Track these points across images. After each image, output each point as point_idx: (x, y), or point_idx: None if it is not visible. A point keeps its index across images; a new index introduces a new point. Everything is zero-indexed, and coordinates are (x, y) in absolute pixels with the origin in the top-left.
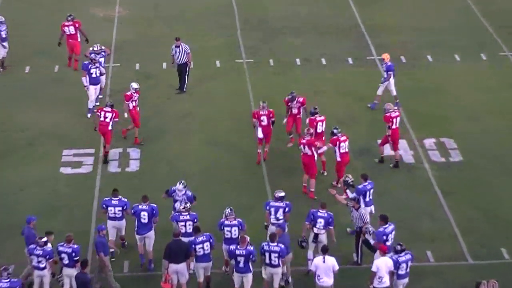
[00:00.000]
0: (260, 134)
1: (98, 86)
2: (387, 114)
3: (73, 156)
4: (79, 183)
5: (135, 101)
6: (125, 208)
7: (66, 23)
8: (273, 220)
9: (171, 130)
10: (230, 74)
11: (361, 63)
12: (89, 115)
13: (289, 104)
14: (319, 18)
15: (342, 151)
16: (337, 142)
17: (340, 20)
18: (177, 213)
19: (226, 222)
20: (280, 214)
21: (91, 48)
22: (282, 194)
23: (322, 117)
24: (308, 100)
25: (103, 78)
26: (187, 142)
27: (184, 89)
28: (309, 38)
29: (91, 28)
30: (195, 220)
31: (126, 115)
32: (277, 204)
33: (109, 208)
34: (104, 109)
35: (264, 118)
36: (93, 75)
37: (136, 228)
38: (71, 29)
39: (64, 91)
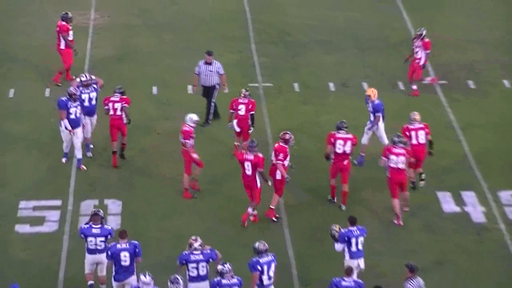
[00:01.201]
0: (236, 127)
1: (80, 129)
2: (405, 126)
3: (32, 210)
4: (41, 245)
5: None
6: (109, 237)
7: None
8: (267, 282)
9: (165, 170)
10: None
11: (417, 89)
12: (64, 160)
13: None
14: (359, 29)
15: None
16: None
17: (387, 31)
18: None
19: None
20: (272, 271)
21: (78, 79)
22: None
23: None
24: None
25: (93, 119)
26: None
27: (209, 121)
28: (347, 55)
29: (52, 39)
30: (210, 260)
31: (194, 156)
32: (266, 259)
33: (89, 239)
34: (112, 98)
35: (242, 107)
36: (72, 116)
37: (114, 274)
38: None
39: (22, 123)
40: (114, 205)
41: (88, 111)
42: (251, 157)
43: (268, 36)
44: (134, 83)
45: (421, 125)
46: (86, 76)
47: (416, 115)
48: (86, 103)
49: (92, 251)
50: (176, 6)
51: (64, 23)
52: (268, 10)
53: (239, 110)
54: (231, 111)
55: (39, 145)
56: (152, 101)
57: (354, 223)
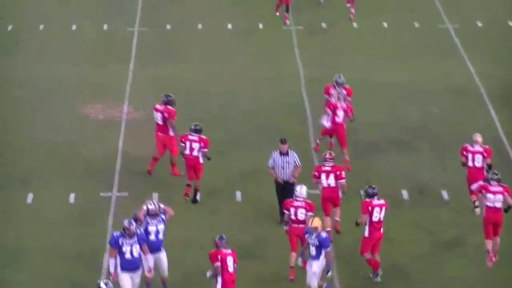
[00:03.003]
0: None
1: (139, 273)
2: (464, 145)
3: None
4: None
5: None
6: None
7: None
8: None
9: None
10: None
11: None
12: None
13: None
14: (438, 126)
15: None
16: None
17: (470, 129)
18: None
19: None
20: None
21: (144, 207)
22: None
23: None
24: None
25: (162, 256)
26: None
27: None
28: (423, 157)
29: (84, 136)
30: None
31: None
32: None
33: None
34: (190, 137)
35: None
36: (126, 256)
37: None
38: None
39: (40, 237)
40: None
41: (154, 247)
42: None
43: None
44: (174, 188)
45: (481, 149)
46: (153, 204)
47: (478, 137)
48: (152, 237)
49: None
50: (221, 98)
51: (170, 107)
52: None
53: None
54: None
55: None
56: (194, 208)
57: None
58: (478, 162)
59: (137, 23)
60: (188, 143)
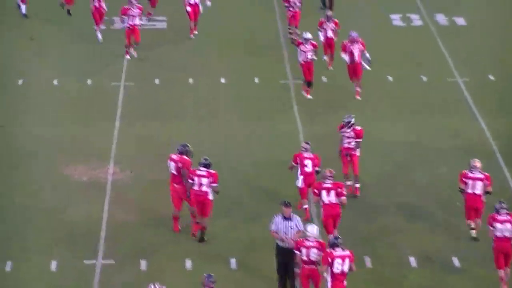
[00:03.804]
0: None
1: None
2: (463, 172)
3: None
4: None
5: None
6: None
7: None
8: None
9: None
10: None
11: None
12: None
13: None
14: (448, 189)
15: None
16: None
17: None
18: None
19: None
20: None
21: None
22: None
23: None
24: None
25: None
26: None
27: None
28: (434, 223)
29: (66, 199)
30: None
31: None
32: None
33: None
34: (198, 172)
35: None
36: None
37: None
38: None
39: None
40: None
41: None
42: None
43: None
44: (166, 256)
45: (481, 175)
46: (155, 286)
47: (477, 163)
48: None
49: None
50: (214, 158)
51: (187, 157)
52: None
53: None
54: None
55: None
56: (187, 277)
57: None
58: (478, 189)
59: (123, 77)
60: (196, 179)
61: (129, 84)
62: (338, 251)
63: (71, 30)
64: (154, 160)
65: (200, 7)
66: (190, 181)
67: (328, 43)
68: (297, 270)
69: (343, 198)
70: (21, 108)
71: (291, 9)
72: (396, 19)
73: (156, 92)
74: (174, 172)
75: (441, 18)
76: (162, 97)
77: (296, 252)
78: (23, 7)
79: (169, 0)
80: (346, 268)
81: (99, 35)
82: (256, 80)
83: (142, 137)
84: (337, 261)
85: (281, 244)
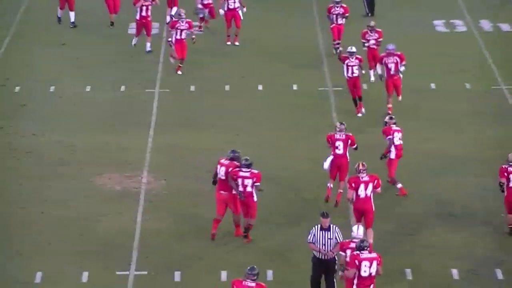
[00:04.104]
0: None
1: None
2: (503, 166)
3: None
4: None
5: None
6: None
7: None
8: None
9: None
10: None
11: None
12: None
13: None
14: (492, 199)
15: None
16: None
17: None
18: None
19: None
20: None
21: None
22: None
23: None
24: None
25: None
26: None
27: None
28: (477, 234)
29: (98, 209)
30: None
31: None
32: None
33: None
34: (241, 173)
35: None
36: None
37: None
38: None
39: None
40: None
41: None
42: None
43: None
44: (201, 267)
45: None
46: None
47: None
48: None
49: None
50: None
51: (237, 163)
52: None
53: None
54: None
55: None
56: None
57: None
58: None
59: (157, 84)
60: (240, 180)
61: (164, 91)
62: (365, 254)
63: (104, 35)
64: (189, 169)
65: (240, 13)
66: (234, 182)
67: (372, 54)
68: (340, 273)
69: (379, 189)
70: (52, 116)
71: (335, 22)
72: (440, 25)
73: (191, 100)
74: (223, 177)
75: (486, 24)
76: (197, 105)
77: (341, 253)
78: (72, 15)
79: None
80: (373, 271)
81: (134, 41)
82: (295, 87)
83: (176, 146)
84: (365, 264)
85: (318, 255)
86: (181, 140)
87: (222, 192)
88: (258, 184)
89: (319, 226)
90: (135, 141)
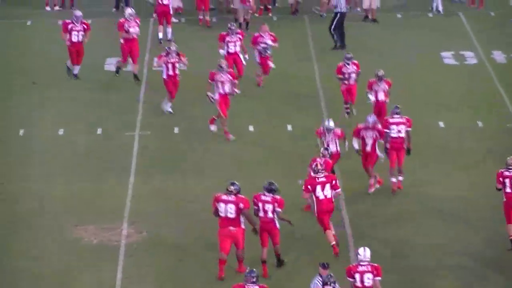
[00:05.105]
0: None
1: None
2: (500, 171)
3: None
4: None
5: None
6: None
7: None
8: None
9: None
10: None
11: None
12: None
13: None
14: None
15: None
16: None
17: None
18: None
19: None
20: None
21: None
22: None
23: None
24: None
25: None
26: None
27: None
28: None
29: (74, 265)
30: None
31: None
32: None
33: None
34: (263, 197)
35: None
36: None
37: None
38: None
39: None
40: None
41: None
42: None
43: (376, 255)
44: None
45: None
46: None
47: None
48: None
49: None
50: None
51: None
52: (380, 223)
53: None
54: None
55: None
56: None
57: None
58: None
59: (137, 126)
60: (260, 205)
61: (145, 133)
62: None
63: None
64: (174, 220)
65: (242, 57)
66: (255, 207)
67: (379, 107)
68: None
69: (338, 191)
70: (22, 162)
71: (346, 82)
72: (448, 57)
73: (175, 143)
74: (232, 215)
75: (499, 56)
76: (182, 148)
77: (349, 279)
78: (77, 68)
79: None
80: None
81: (169, 109)
82: (289, 127)
83: (160, 193)
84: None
85: None
86: (164, 187)
87: (231, 228)
88: (279, 210)
89: (319, 276)
90: (114, 189)
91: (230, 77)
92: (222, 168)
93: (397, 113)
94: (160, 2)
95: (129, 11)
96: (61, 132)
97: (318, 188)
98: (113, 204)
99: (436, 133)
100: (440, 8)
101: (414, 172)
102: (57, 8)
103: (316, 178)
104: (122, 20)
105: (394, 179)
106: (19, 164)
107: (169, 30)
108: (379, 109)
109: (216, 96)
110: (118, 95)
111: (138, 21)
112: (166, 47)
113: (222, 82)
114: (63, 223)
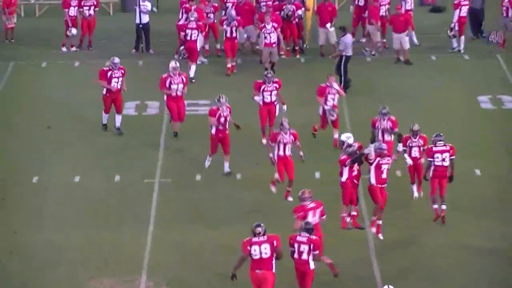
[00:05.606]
0: None
1: None
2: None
3: None
4: None
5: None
6: None
7: None
8: None
9: None
10: None
11: None
12: None
13: None
14: None
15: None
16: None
17: None
18: None
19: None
20: None
21: None
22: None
23: None
24: None
25: None
26: None
27: None
28: None
29: None
30: None
31: None
32: None
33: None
34: (298, 238)
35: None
36: None
37: None
38: None
39: None
40: None
41: None
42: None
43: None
44: None
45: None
46: None
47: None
48: None
49: None
50: None
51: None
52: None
53: None
54: None
55: None
56: None
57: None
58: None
59: (157, 172)
60: (296, 246)
61: (165, 181)
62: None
63: (94, 118)
64: (195, 272)
65: (277, 108)
66: (291, 248)
67: (415, 165)
68: None
69: (324, 217)
70: (36, 211)
71: (381, 138)
72: (485, 101)
73: (197, 191)
74: (267, 255)
75: None
76: (204, 197)
77: None
78: (119, 119)
79: (213, 82)
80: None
81: (207, 162)
82: (317, 175)
83: (180, 244)
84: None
85: None
86: (186, 237)
87: (262, 271)
88: (316, 252)
89: None
90: (133, 239)
91: (293, 138)
92: (246, 216)
93: (440, 141)
94: (189, 38)
95: (172, 64)
96: (77, 179)
97: (310, 214)
98: (131, 255)
99: (472, 181)
100: (462, 48)
101: (452, 227)
102: (73, 49)
103: (306, 205)
104: (165, 76)
105: (436, 206)
106: (32, 214)
107: (193, 67)
108: (416, 167)
109: (275, 156)
110: (137, 140)
111: (184, 78)
112: (217, 100)
113: (284, 144)
114: (78, 276)
